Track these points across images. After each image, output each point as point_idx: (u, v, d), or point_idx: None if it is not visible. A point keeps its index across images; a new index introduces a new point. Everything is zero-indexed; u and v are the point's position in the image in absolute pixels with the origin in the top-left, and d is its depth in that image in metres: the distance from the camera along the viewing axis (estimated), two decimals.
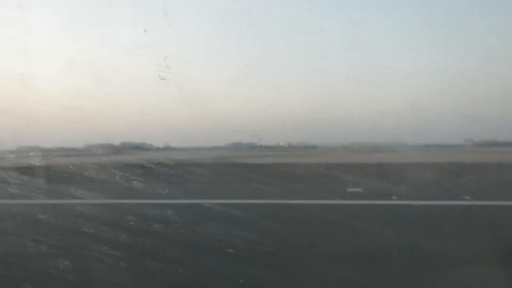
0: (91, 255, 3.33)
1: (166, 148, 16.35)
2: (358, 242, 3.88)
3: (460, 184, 7.21)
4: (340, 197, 6.12)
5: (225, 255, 3.42)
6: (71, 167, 7.71)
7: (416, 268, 3.22)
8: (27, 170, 6.77)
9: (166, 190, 6.28)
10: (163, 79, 4.55)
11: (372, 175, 8.51)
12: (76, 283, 3.03)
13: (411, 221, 4.78)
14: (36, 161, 7.30)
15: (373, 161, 11.49)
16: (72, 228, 4.20)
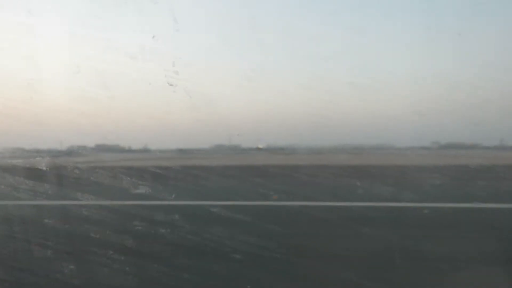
0: None
1: (142, 151, 16.03)
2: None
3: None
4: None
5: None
6: None
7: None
8: None
9: None
10: (171, 85, 4.57)
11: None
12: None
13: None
14: None
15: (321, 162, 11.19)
16: None
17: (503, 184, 7.23)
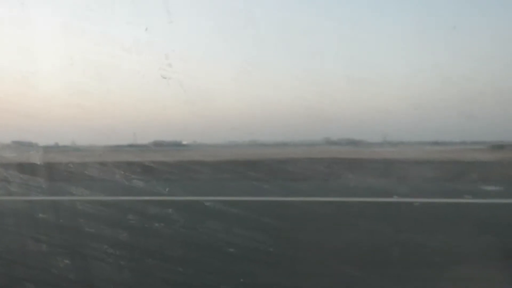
0: None
1: (136, 144, 15.56)
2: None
3: None
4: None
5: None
6: None
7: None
8: None
9: None
10: (165, 78, 4.54)
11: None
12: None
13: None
14: None
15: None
16: None
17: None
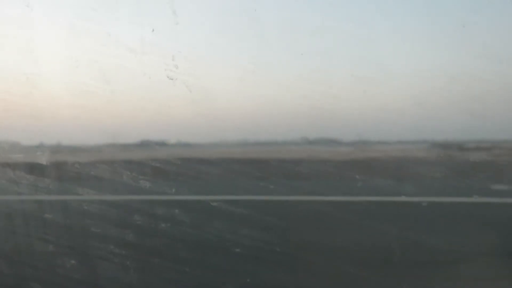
0: None
1: (142, 145, 15.47)
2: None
3: None
4: None
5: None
6: None
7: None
8: None
9: None
10: (171, 79, 4.52)
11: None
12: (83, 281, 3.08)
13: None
14: None
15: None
16: None
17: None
